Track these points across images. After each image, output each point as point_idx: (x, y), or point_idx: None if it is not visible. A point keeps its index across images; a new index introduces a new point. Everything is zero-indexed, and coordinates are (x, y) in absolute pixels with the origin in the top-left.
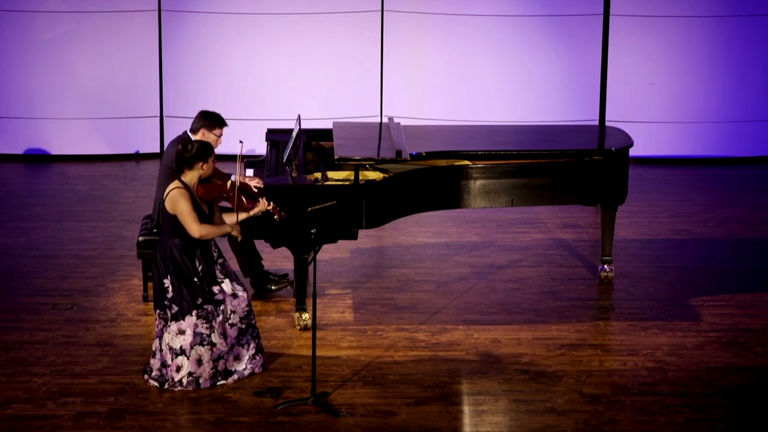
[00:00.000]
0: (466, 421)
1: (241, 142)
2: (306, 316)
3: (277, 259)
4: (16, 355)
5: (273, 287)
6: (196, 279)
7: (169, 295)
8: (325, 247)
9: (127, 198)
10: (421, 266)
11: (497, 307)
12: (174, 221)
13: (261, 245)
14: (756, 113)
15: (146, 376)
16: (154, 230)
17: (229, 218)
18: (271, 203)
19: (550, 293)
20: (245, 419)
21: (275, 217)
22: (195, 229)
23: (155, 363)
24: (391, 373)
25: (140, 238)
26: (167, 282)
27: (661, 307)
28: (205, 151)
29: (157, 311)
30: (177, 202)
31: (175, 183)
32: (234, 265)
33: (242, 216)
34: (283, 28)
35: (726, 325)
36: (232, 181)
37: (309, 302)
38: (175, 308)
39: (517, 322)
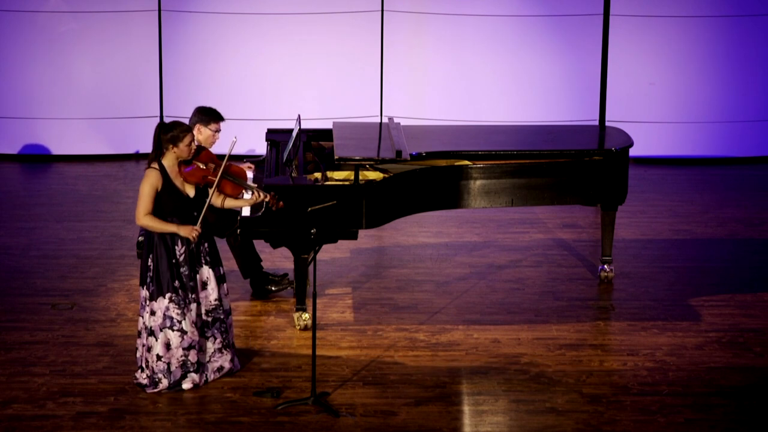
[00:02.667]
0: (466, 421)
1: (234, 139)
2: (306, 316)
3: (277, 259)
4: (16, 355)
5: (273, 288)
6: (174, 261)
7: (150, 273)
8: (325, 247)
9: (127, 198)
10: (421, 266)
11: (497, 307)
12: (156, 203)
13: (261, 245)
14: (756, 113)
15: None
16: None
17: (234, 202)
18: (268, 193)
19: (550, 293)
20: (245, 419)
21: (271, 205)
22: (140, 215)
23: (139, 343)
24: (391, 373)
25: (140, 238)
26: (150, 261)
27: (661, 307)
28: (176, 136)
29: (143, 288)
30: (142, 184)
31: (153, 164)
32: (233, 266)
33: (231, 203)
34: (283, 28)
35: (726, 325)
36: (217, 165)
37: (309, 302)
38: (153, 287)
39: (517, 322)
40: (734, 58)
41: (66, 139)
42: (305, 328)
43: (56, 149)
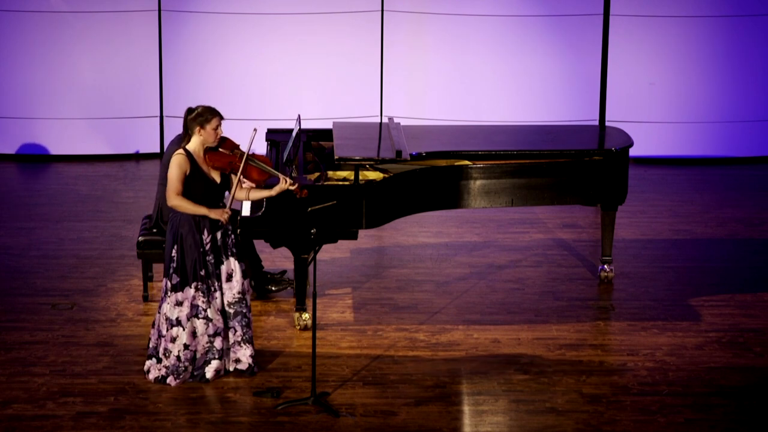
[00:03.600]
0: (466, 421)
1: (254, 130)
2: (306, 316)
3: (277, 259)
4: (16, 355)
5: (273, 287)
6: (201, 249)
7: (174, 264)
8: (325, 247)
9: (127, 198)
10: (421, 266)
11: (497, 307)
12: (186, 189)
13: (261, 245)
14: (756, 113)
15: (147, 363)
16: (154, 230)
17: (260, 193)
18: (290, 180)
19: (550, 293)
20: (245, 419)
21: (296, 193)
22: (171, 196)
23: (153, 333)
24: (391, 373)
25: (140, 238)
26: (174, 252)
27: (661, 307)
28: (204, 116)
29: (165, 279)
30: (170, 166)
31: (180, 149)
32: None
33: (257, 194)
34: (283, 28)
35: (726, 325)
36: (241, 152)
37: (309, 302)
38: (176, 278)
39: (517, 322)
40: (734, 58)
41: (66, 139)
42: (305, 328)
43: (56, 149)
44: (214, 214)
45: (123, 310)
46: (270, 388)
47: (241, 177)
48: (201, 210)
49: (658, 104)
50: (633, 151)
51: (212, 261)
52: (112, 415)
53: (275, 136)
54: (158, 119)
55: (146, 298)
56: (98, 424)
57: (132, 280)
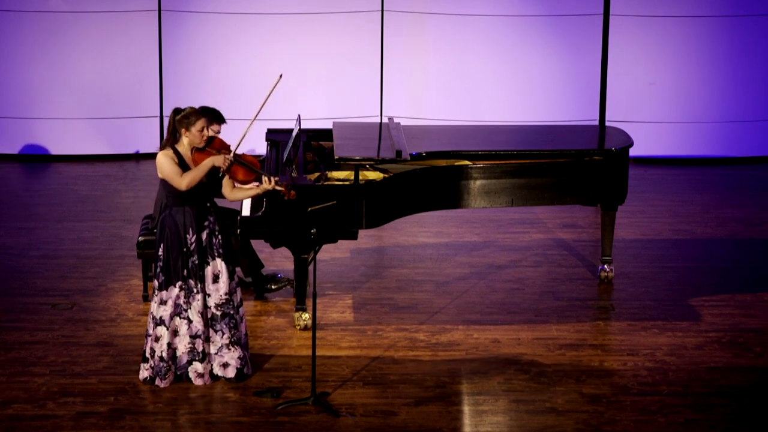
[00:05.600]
0: (466, 421)
1: (281, 75)
2: (306, 316)
3: (277, 259)
4: (16, 355)
5: (273, 287)
6: (185, 249)
7: (160, 263)
8: (325, 247)
9: (127, 198)
10: (421, 266)
11: (497, 307)
12: (168, 190)
13: (261, 245)
14: (756, 113)
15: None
16: (154, 230)
17: (241, 193)
18: (276, 181)
19: (550, 293)
20: (245, 419)
21: (283, 194)
22: (178, 182)
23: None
24: (391, 373)
25: (140, 238)
26: (161, 250)
27: (661, 307)
28: (189, 118)
29: (154, 279)
30: (160, 164)
31: (166, 149)
32: None
33: (241, 194)
34: (283, 28)
35: (726, 325)
36: (229, 152)
37: (309, 302)
38: (162, 277)
39: (517, 322)
40: (734, 58)
41: (66, 139)
42: (305, 328)
43: (56, 149)
44: (216, 161)
45: (123, 310)
46: (270, 388)
47: (228, 177)
48: (206, 165)
49: (658, 104)
50: (633, 151)
51: (196, 262)
52: (112, 415)
53: (275, 136)
54: (158, 119)
55: (146, 298)
56: (98, 424)
57: (132, 280)
